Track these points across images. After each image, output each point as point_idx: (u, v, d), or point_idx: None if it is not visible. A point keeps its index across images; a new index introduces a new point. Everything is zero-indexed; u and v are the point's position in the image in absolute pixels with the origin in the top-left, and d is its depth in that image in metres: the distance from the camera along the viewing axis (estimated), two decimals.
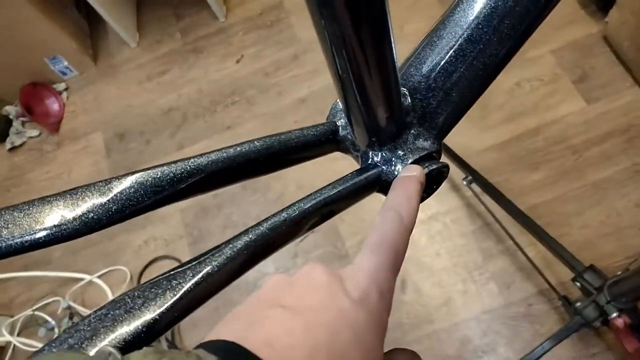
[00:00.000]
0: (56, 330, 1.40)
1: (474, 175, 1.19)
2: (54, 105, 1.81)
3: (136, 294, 0.28)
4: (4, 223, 0.29)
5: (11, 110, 1.83)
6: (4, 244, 0.28)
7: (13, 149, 1.78)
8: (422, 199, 0.38)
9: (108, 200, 0.30)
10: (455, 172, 1.28)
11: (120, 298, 0.28)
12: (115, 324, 0.27)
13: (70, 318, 1.43)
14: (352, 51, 0.25)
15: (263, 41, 1.73)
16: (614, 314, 0.88)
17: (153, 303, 0.27)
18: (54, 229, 0.29)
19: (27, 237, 0.29)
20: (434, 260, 1.30)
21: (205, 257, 0.30)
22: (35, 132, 1.79)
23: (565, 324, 1.19)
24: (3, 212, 0.29)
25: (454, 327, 1.23)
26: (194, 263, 0.30)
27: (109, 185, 0.31)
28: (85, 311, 1.42)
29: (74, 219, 0.29)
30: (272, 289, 0.26)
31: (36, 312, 1.44)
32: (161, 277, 0.29)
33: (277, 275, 0.27)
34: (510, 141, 1.37)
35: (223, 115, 1.65)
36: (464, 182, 1.22)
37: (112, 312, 0.27)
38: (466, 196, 1.33)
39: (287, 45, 1.70)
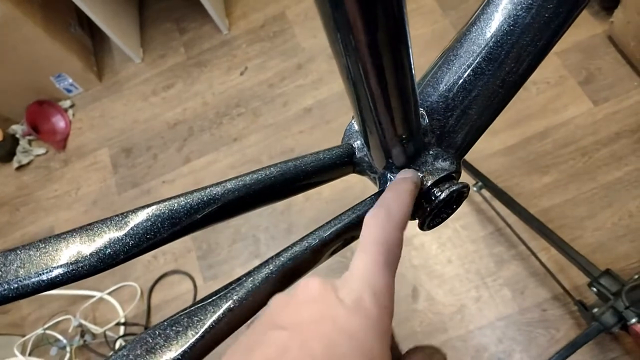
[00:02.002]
0: (68, 348, 1.40)
1: (484, 182, 1.18)
2: (60, 122, 1.81)
3: (157, 332, 0.27)
4: (20, 262, 0.28)
5: (17, 129, 1.84)
6: (21, 284, 0.28)
7: (20, 167, 1.79)
8: (442, 219, 0.37)
9: (125, 235, 0.30)
10: (465, 178, 1.27)
11: (142, 337, 0.27)
12: None
13: (82, 336, 1.42)
14: (371, 72, 0.24)
15: (267, 52, 1.73)
16: (634, 320, 0.87)
17: (175, 342, 0.27)
18: (71, 266, 0.29)
19: (44, 276, 0.28)
20: (445, 268, 1.29)
21: (226, 291, 0.29)
22: (42, 150, 1.80)
23: (581, 329, 1.18)
24: (19, 252, 0.29)
25: (469, 335, 1.22)
26: (214, 298, 0.29)
27: (125, 219, 0.30)
28: (96, 329, 1.41)
29: (91, 255, 0.29)
30: (272, 310, 0.26)
31: (47, 331, 1.44)
32: (182, 313, 0.28)
33: (276, 296, 0.28)
34: (518, 145, 1.36)
35: (229, 127, 1.65)
36: (474, 189, 1.21)
37: (133, 352, 0.26)
38: (476, 202, 1.32)
39: (291, 55, 1.70)
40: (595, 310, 0.94)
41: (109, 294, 1.48)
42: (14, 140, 1.82)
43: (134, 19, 1.92)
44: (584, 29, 1.46)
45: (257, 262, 1.23)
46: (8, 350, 1.42)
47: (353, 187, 1.39)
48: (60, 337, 1.42)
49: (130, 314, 1.44)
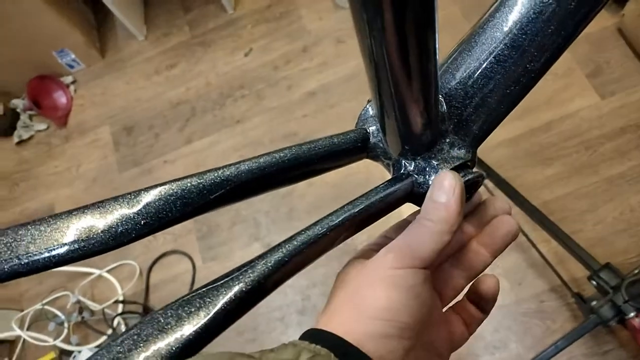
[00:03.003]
0: (66, 324, 1.40)
1: (486, 171, 1.18)
2: (61, 98, 1.80)
3: (169, 312, 0.27)
4: (31, 238, 0.28)
5: (18, 103, 1.82)
6: (31, 259, 0.28)
7: (21, 142, 1.78)
8: None
9: (137, 213, 0.29)
10: None
11: (153, 317, 0.27)
12: (149, 344, 0.26)
13: (80, 313, 1.43)
14: (394, 53, 0.24)
15: (272, 34, 1.71)
16: (632, 314, 0.87)
17: (187, 322, 0.27)
18: (82, 243, 0.28)
19: (54, 251, 0.28)
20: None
21: (238, 273, 0.29)
22: (43, 126, 1.79)
23: (577, 321, 1.19)
24: (30, 227, 0.28)
25: None
26: (226, 279, 0.29)
27: (137, 198, 0.30)
28: (95, 306, 1.42)
29: (103, 232, 0.29)
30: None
31: (46, 307, 1.45)
32: (194, 294, 0.28)
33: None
34: (523, 136, 1.35)
35: (232, 109, 1.64)
36: None
37: (145, 332, 0.26)
38: (478, 192, 1.32)
39: (296, 37, 1.68)
40: (594, 303, 0.95)
41: (108, 271, 1.48)
42: (14, 115, 1.80)
43: None
44: (594, 21, 1.42)
45: (257, 245, 1.24)
46: (6, 324, 1.42)
47: (356, 173, 1.38)
48: (58, 313, 1.42)
49: (128, 292, 1.44)
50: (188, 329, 0.26)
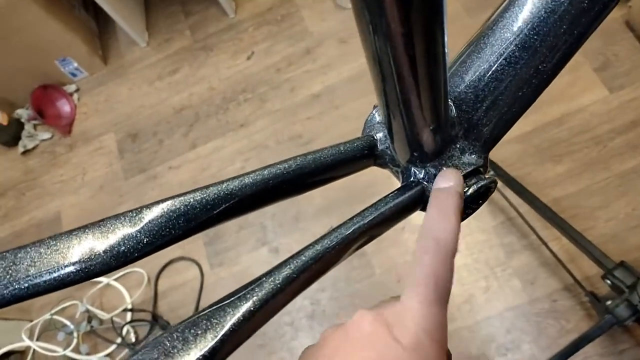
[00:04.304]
0: (75, 334, 1.40)
1: (496, 170, 1.16)
2: (65, 107, 1.80)
3: (175, 335, 0.26)
4: (31, 261, 0.27)
5: (23, 113, 1.82)
6: (32, 283, 0.27)
7: (26, 152, 1.78)
8: (467, 215, 0.36)
9: (139, 231, 0.28)
10: None
11: (159, 340, 0.26)
12: None
13: (89, 322, 1.42)
14: (401, 54, 0.22)
15: (274, 36, 1.70)
16: None
17: (193, 345, 0.26)
18: (84, 264, 0.27)
19: (55, 274, 0.27)
20: None
21: (245, 291, 0.28)
22: (47, 135, 1.79)
23: (592, 320, 1.17)
24: (29, 249, 0.27)
25: (477, 325, 1.21)
26: (233, 299, 0.28)
27: (139, 215, 0.29)
28: (103, 314, 1.42)
29: (105, 252, 0.28)
30: (325, 350, 0.26)
31: (55, 316, 1.44)
32: (200, 315, 0.27)
33: (327, 331, 0.28)
34: (532, 132, 1.33)
35: (235, 113, 1.63)
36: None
37: (150, 356, 0.25)
38: None
39: (298, 40, 1.67)
40: (609, 302, 0.93)
41: (116, 280, 1.47)
42: (19, 125, 1.80)
43: (139, 1, 1.89)
44: None
45: (264, 250, 1.23)
46: (16, 335, 1.42)
47: (362, 175, 1.36)
48: (67, 322, 1.42)
49: (137, 300, 1.44)
50: (195, 353, 0.25)
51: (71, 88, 1.83)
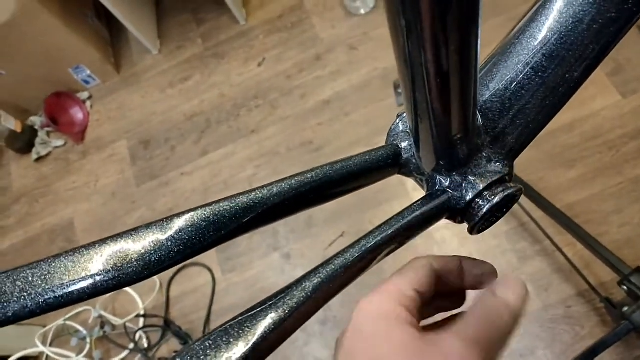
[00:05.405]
0: (88, 339, 1.41)
1: None
2: (78, 114, 1.82)
3: (207, 343, 0.26)
4: (65, 269, 0.27)
5: (36, 120, 1.85)
6: (65, 291, 0.27)
7: (39, 159, 1.80)
8: (491, 223, 0.36)
9: (170, 240, 0.29)
10: None
11: (191, 348, 0.26)
12: None
13: (102, 327, 1.43)
14: (433, 60, 0.22)
15: (284, 43, 1.71)
16: None
17: (225, 352, 0.26)
18: (116, 272, 0.28)
19: (88, 282, 0.27)
20: None
21: (276, 299, 0.28)
22: (60, 142, 1.80)
23: (606, 326, 1.16)
24: (63, 258, 0.28)
25: None
26: (263, 307, 0.28)
27: (170, 224, 0.29)
28: (116, 320, 1.42)
29: (137, 261, 0.28)
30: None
31: (68, 322, 1.46)
32: (232, 322, 0.27)
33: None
34: (544, 138, 1.33)
35: (247, 119, 1.64)
36: None
37: None
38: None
39: (309, 46, 1.68)
40: (625, 308, 0.92)
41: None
42: (32, 132, 1.83)
43: (151, 9, 1.91)
44: None
45: (276, 255, 1.23)
46: (29, 340, 1.43)
47: None
48: (80, 328, 1.43)
49: (149, 305, 1.45)
50: None
51: (84, 95, 1.85)
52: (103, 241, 0.28)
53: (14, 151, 1.82)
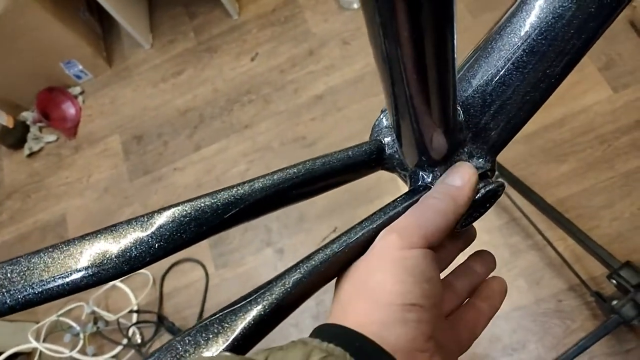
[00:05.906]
0: (81, 335, 1.41)
1: (500, 170, 1.16)
2: (70, 109, 1.81)
3: (187, 339, 0.26)
4: (44, 266, 0.27)
5: (28, 116, 1.83)
6: (45, 287, 0.27)
7: (31, 154, 1.79)
8: (474, 218, 0.36)
9: (150, 236, 0.29)
10: None
11: (171, 344, 0.26)
12: None
13: (95, 323, 1.43)
14: (410, 55, 0.22)
15: (277, 38, 1.71)
16: None
17: (204, 349, 0.26)
18: (96, 268, 0.28)
19: (68, 279, 0.27)
20: (458, 258, 1.28)
21: (255, 295, 0.28)
22: (52, 137, 1.79)
23: (597, 320, 1.16)
24: (42, 254, 0.28)
25: None
26: (243, 302, 0.28)
27: (150, 220, 0.29)
28: (109, 316, 1.42)
29: (117, 257, 0.28)
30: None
31: (61, 318, 1.45)
32: (212, 319, 0.27)
33: None
34: (536, 133, 1.33)
35: (240, 114, 1.63)
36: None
37: None
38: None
39: (302, 41, 1.68)
40: (615, 302, 0.93)
41: (122, 281, 1.48)
42: (24, 127, 1.81)
43: (143, 3, 1.90)
44: None
45: (269, 251, 1.23)
46: (22, 336, 1.43)
47: (364, 177, 1.37)
48: (73, 324, 1.43)
49: (142, 301, 1.45)
50: (206, 356, 0.26)
51: (76, 90, 1.84)
52: (83, 237, 0.28)
53: (6, 147, 1.81)
